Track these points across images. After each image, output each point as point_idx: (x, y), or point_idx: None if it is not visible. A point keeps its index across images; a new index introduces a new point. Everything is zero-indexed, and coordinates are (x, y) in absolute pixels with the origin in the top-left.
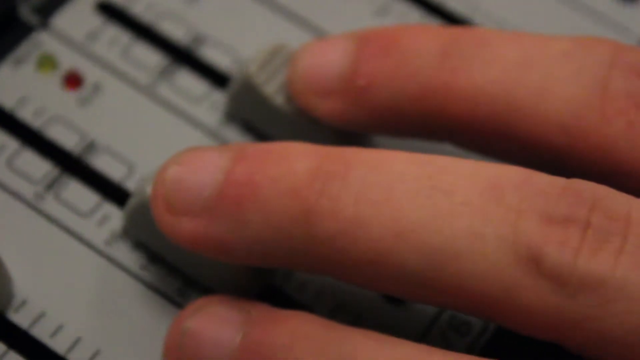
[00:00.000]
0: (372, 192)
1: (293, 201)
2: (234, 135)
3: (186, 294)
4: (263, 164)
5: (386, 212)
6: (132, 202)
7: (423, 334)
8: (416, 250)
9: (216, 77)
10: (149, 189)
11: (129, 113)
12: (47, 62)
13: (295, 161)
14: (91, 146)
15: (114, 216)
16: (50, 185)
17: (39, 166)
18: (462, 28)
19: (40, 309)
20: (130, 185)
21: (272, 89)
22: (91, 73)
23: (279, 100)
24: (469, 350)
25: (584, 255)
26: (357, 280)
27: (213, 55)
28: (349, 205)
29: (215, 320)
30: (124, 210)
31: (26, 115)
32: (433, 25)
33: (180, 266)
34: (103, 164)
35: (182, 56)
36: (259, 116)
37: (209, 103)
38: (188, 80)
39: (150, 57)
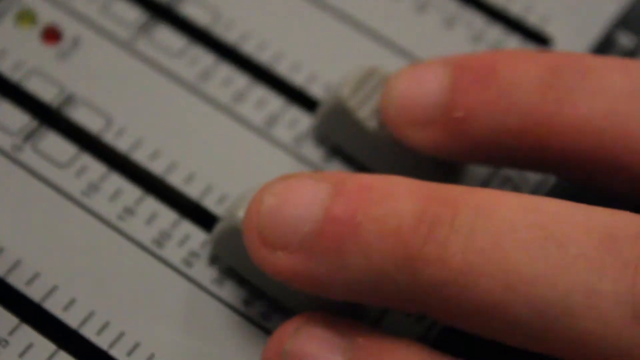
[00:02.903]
0: (481, 240)
1: (397, 245)
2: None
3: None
4: (365, 202)
5: (496, 263)
6: (221, 227)
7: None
8: (528, 304)
9: (195, 33)
10: (240, 214)
11: (107, 67)
12: (26, 17)
13: (399, 201)
14: (69, 99)
15: (92, 167)
16: (29, 137)
17: (17, 118)
18: (563, 55)
19: (16, 258)
20: (109, 137)
21: (365, 113)
22: (70, 28)
23: (372, 124)
24: None
25: None
26: (461, 326)
27: (192, 11)
28: (456, 254)
29: (319, 344)
30: (211, 234)
31: (5, 68)
32: (530, 50)
33: (272, 293)
34: (81, 116)
35: (161, 11)
36: (349, 140)
37: (188, 58)
38: (167, 36)
39: (129, 12)
